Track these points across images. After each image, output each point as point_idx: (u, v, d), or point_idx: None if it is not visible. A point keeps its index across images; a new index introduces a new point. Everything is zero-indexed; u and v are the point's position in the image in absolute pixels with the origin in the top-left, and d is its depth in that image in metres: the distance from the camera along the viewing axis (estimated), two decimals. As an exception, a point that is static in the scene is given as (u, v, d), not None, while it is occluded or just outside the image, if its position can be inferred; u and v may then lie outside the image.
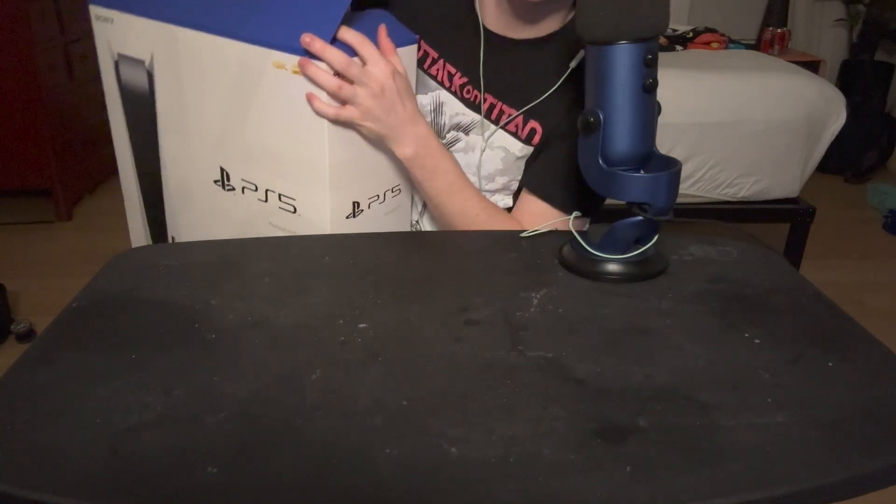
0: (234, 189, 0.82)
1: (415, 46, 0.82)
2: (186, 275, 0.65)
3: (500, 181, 0.87)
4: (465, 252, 0.73)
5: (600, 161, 0.62)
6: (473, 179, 0.87)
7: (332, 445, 0.42)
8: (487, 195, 0.88)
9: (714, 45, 2.82)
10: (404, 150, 0.79)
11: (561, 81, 0.81)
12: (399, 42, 0.78)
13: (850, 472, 0.40)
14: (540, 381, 0.49)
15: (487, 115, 0.85)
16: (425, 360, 0.51)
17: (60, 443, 0.43)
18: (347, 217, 0.80)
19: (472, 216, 0.82)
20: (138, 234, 1.01)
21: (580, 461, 0.41)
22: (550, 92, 0.82)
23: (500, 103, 0.84)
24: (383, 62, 0.74)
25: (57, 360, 0.52)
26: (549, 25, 0.84)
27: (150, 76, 0.83)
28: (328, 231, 0.78)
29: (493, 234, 0.79)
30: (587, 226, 0.86)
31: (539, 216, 0.84)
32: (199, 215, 0.89)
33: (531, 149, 0.85)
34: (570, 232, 0.68)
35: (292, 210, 0.79)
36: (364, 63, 0.74)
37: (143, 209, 0.95)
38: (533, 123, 0.84)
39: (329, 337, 0.54)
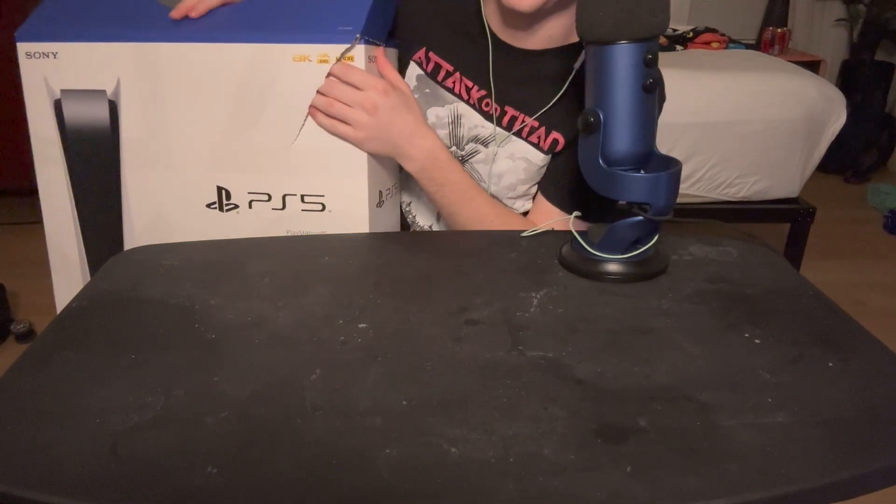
0: (236, 207, 0.79)
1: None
2: (186, 275, 0.65)
3: (522, 189, 0.88)
4: (465, 252, 0.73)
5: (600, 161, 0.62)
6: (494, 189, 0.87)
7: (332, 446, 0.42)
8: (509, 203, 0.89)
9: (714, 45, 2.82)
10: (411, 165, 0.79)
11: (567, 85, 0.81)
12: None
13: (850, 472, 0.40)
14: (540, 381, 0.49)
15: (508, 127, 0.85)
16: (425, 360, 0.51)
17: (60, 443, 0.43)
18: (377, 206, 0.80)
19: (487, 223, 0.83)
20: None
21: (580, 461, 0.41)
22: (559, 96, 0.82)
23: (521, 115, 0.84)
24: (373, 80, 0.74)
25: (57, 360, 0.52)
26: (554, 36, 0.83)
27: (114, 106, 0.78)
28: (365, 221, 0.77)
29: (493, 233, 0.79)
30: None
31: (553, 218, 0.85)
32: None
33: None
34: (570, 232, 0.68)
35: (320, 208, 0.77)
36: (357, 88, 0.73)
37: (87, 266, 0.85)
38: (555, 134, 0.83)
39: (329, 337, 0.54)
